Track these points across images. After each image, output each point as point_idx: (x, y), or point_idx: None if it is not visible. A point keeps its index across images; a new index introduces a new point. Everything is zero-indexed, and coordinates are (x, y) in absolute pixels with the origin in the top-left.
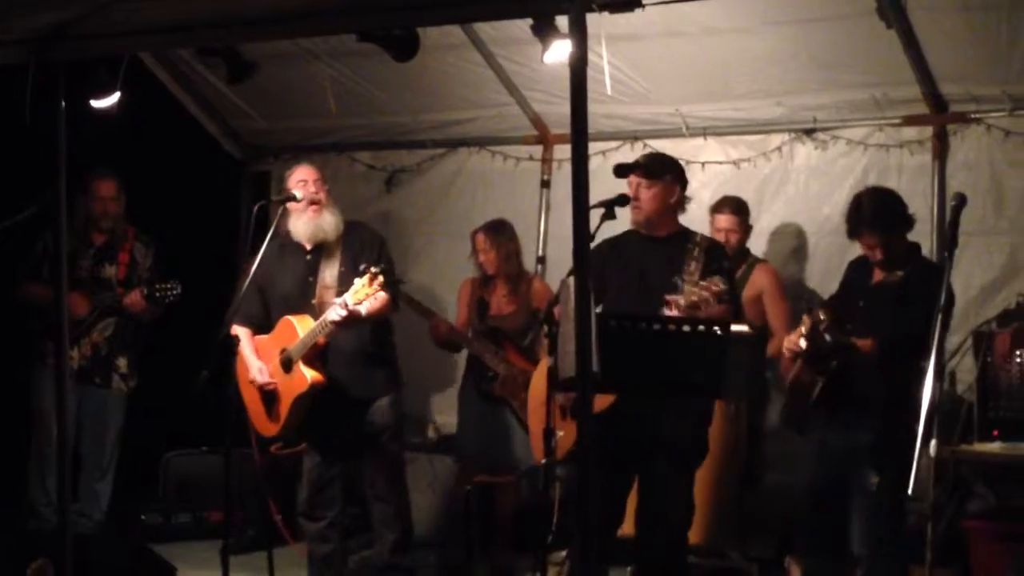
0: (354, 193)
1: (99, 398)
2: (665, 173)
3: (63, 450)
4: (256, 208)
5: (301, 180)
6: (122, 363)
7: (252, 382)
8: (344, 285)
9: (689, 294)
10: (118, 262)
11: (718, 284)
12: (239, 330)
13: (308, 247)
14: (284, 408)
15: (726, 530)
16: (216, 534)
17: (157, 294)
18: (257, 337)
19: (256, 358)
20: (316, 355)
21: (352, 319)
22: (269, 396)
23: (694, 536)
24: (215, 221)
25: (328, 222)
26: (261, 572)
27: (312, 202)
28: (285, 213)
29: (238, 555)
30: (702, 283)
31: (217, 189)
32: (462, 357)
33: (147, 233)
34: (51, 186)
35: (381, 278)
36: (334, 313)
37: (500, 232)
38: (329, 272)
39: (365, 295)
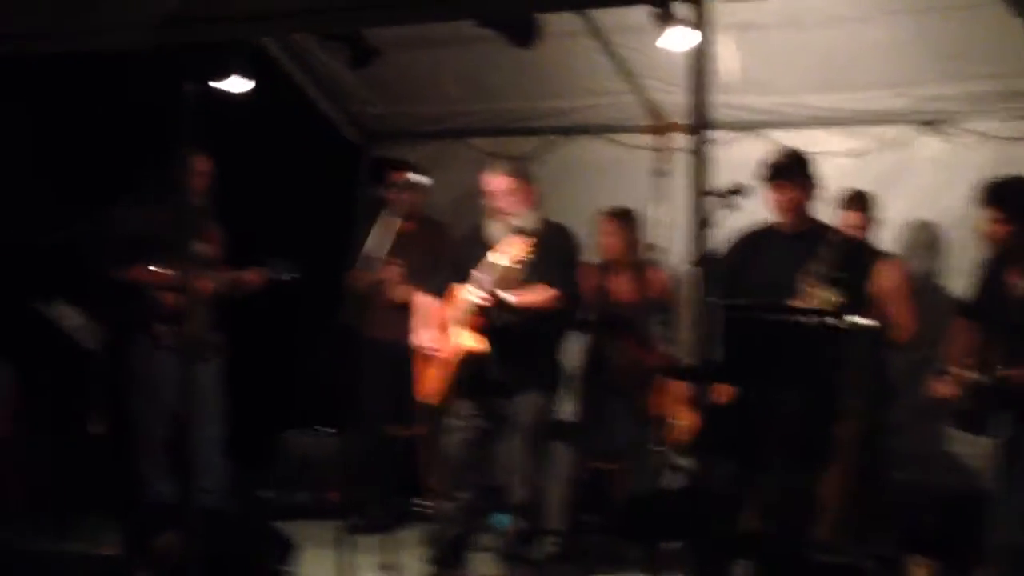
0: (470, 179)
1: (209, 374)
2: (809, 175)
3: (188, 428)
4: (375, 192)
5: (489, 192)
6: (220, 338)
7: (418, 348)
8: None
9: (807, 299)
10: (208, 240)
11: (838, 297)
12: (421, 298)
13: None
14: (442, 375)
15: (846, 526)
16: (334, 513)
17: (277, 274)
18: (435, 305)
19: (426, 325)
20: (479, 325)
21: (498, 305)
22: (434, 362)
23: (814, 532)
24: (333, 205)
25: (515, 226)
26: (381, 552)
27: (502, 212)
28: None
29: (358, 535)
30: (823, 293)
31: (337, 171)
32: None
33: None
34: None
35: (532, 239)
36: (475, 296)
37: (626, 219)
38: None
39: (515, 257)
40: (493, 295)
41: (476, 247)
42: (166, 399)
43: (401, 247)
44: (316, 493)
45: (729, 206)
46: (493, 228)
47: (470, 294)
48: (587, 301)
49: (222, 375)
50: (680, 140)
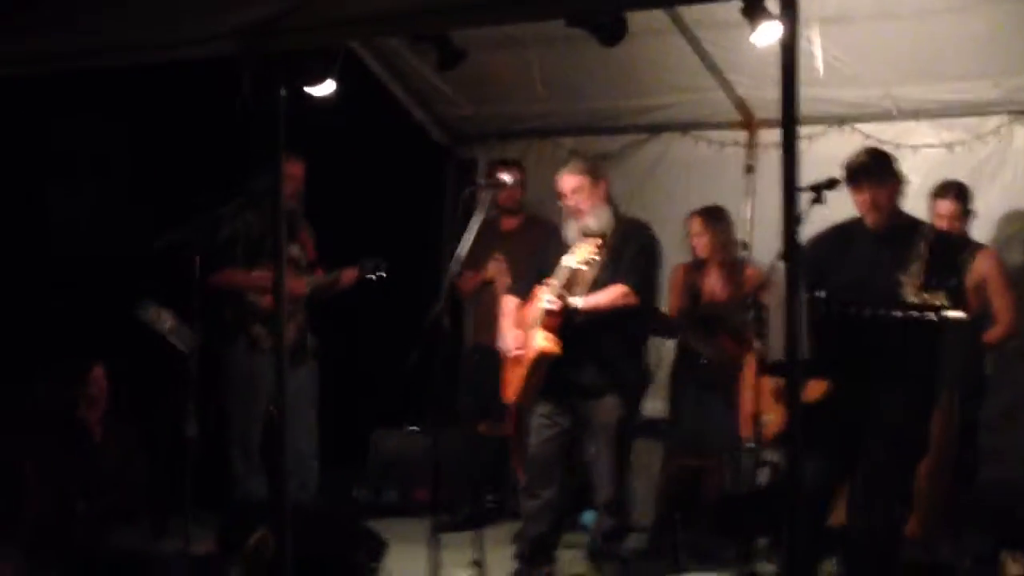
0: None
1: (301, 376)
2: (890, 173)
3: (282, 429)
4: (465, 194)
5: (559, 192)
6: (311, 341)
7: (503, 346)
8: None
9: (902, 294)
10: (300, 242)
11: (941, 299)
12: (509, 299)
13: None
14: (521, 374)
15: (939, 523)
16: (423, 512)
17: (369, 272)
18: (525, 306)
19: (512, 326)
20: (552, 327)
21: (566, 309)
22: (517, 363)
23: (906, 528)
24: (421, 206)
25: (591, 226)
26: (470, 551)
27: (575, 212)
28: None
29: (447, 533)
30: (925, 295)
31: (423, 175)
32: (673, 342)
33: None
34: (269, 172)
35: (601, 240)
36: (544, 301)
37: (717, 218)
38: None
39: (584, 258)
40: (561, 299)
41: (557, 248)
42: (262, 400)
43: (504, 246)
44: (405, 491)
45: (820, 201)
46: (569, 229)
47: (542, 298)
48: (680, 301)
49: (316, 377)
50: (769, 135)
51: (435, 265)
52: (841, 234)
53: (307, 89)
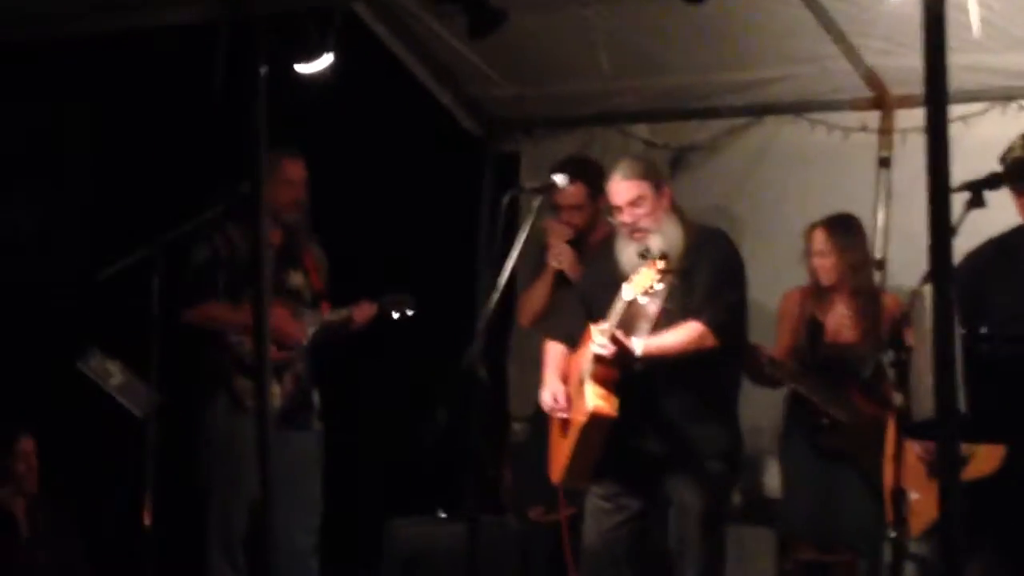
0: None
1: (300, 443)
2: None
3: (269, 513)
4: (506, 200)
5: (615, 205)
6: (316, 397)
7: (542, 403)
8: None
9: None
10: (305, 267)
11: None
12: (553, 346)
13: None
14: (569, 443)
15: None
16: None
17: (390, 309)
18: (573, 355)
19: (556, 378)
20: (612, 376)
21: (623, 354)
22: (563, 430)
23: None
24: (449, 216)
25: (657, 248)
26: None
27: (634, 231)
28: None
29: None
30: None
31: (452, 175)
32: (779, 395)
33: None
34: (249, 172)
35: (663, 263)
36: (595, 345)
37: (848, 231)
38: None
39: (644, 288)
40: (616, 342)
41: (609, 272)
42: (248, 477)
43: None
44: None
45: (979, 203)
46: (623, 251)
47: (593, 341)
48: (793, 339)
49: (319, 447)
50: (909, 118)
51: (468, 296)
52: (1002, 250)
53: (298, 67)
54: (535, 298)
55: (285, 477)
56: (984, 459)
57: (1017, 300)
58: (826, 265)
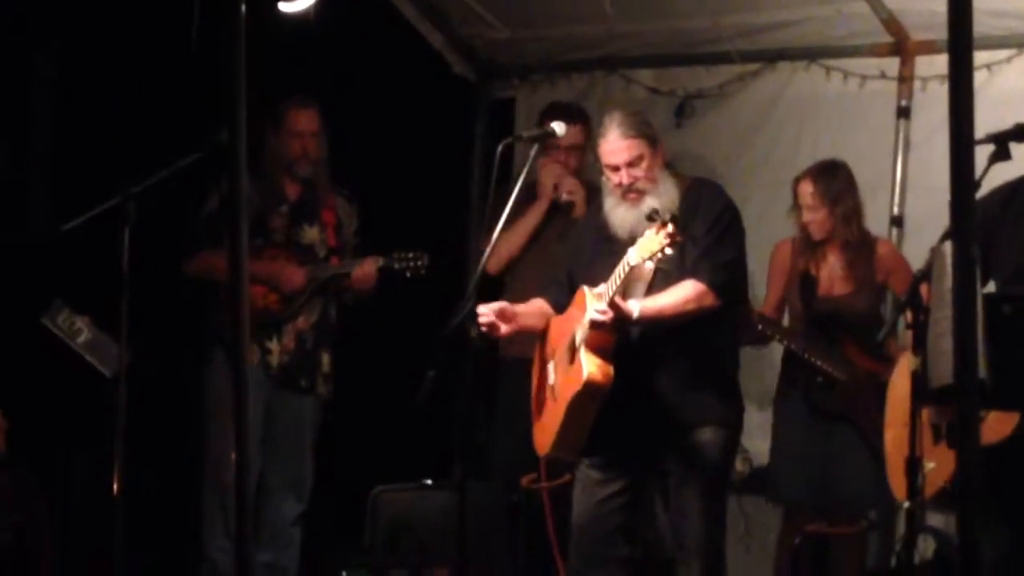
0: None
1: (298, 407)
2: None
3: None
4: (500, 149)
5: (610, 165)
6: (325, 360)
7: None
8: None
9: None
10: (321, 222)
11: None
12: (536, 302)
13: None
14: (558, 413)
15: None
16: None
17: (397, 266)
18: (557, 317)
19: (516, 309)
20: (609, 343)
21: (620, 319)
22: (550, 401)
23: None
24: (440, 166)
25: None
26: None
27: (628, 192)
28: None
29: None
30: None
31: (443, 122)
32: (775, 355)
33: (345, 184)
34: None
35: (672, 227)
36: (592, 311)
37: (833, 178)
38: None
39: (652, 252)
40: (613, 307)
41: (598, 234)
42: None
43: (546, 229)
44: (418, 571)
45: (1004, 156)
46: (619, 212)
47: (589, 307)
48: (785, 293)
49: (318, 412)
50: (930, 64)
51: (459, 249)
52: (1012, 198)
53: (281, 5)
54: (510, 243)
55: (278, 442)
56: (995, 426)
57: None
58: (817, 219)
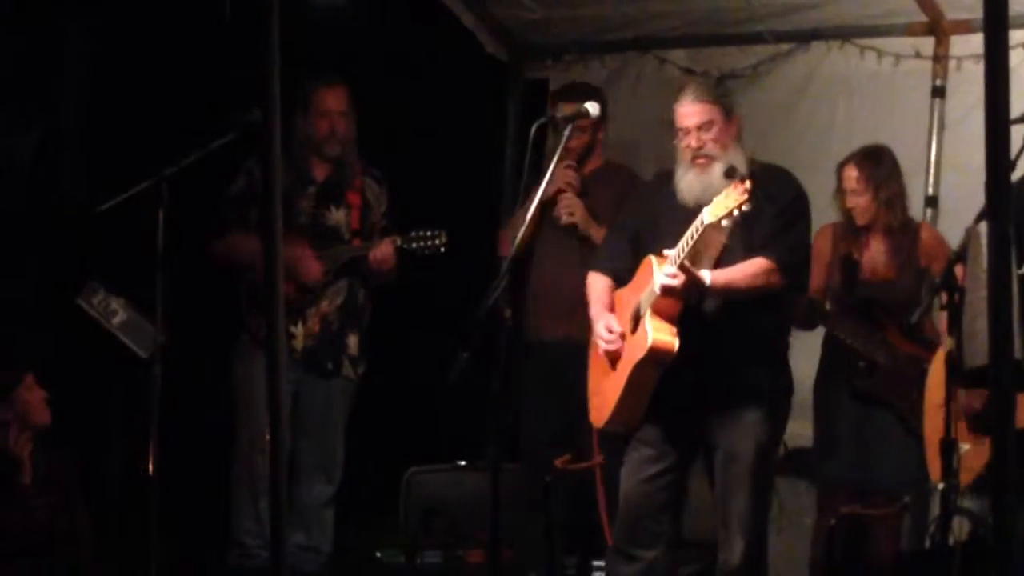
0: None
1: (326, 390)
2: None
3: (278, 462)
4: (534, 130)
5: (682, 128)
6: (352, 342)
7: (596, 340)
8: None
9: None
10: (347, 204)
11: None
12: (597, 278)
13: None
14: (618, 383)
15: None
16: None
17: (415, 245)
18: (620, 291)
19: (606, 310)
20: (677, 310)
21: (691, 285)
22: (609, 369)
23: None
24: (473, 147)
25: (720, 180)
26: None
27: (697, 157)
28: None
29: None
30: None
31: (476, 103)
32: (817, 339)
33: (376, 166)
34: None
35: (750, 183)
36: (662, 275)
37: (879, 164)
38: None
39: (728, 210)
40: (685, 271)
41: (665, 202)
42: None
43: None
44: (452, 552)
45: None
46: (688, 178)
47: (658, 272)
48: (827, 278)
49: (347, 395)
50: (966, 44)
51: (493, 230)
52: None
53: None
54: (518, 227)
55: (307, 424)
56: None
57: None
58: (861, 204)
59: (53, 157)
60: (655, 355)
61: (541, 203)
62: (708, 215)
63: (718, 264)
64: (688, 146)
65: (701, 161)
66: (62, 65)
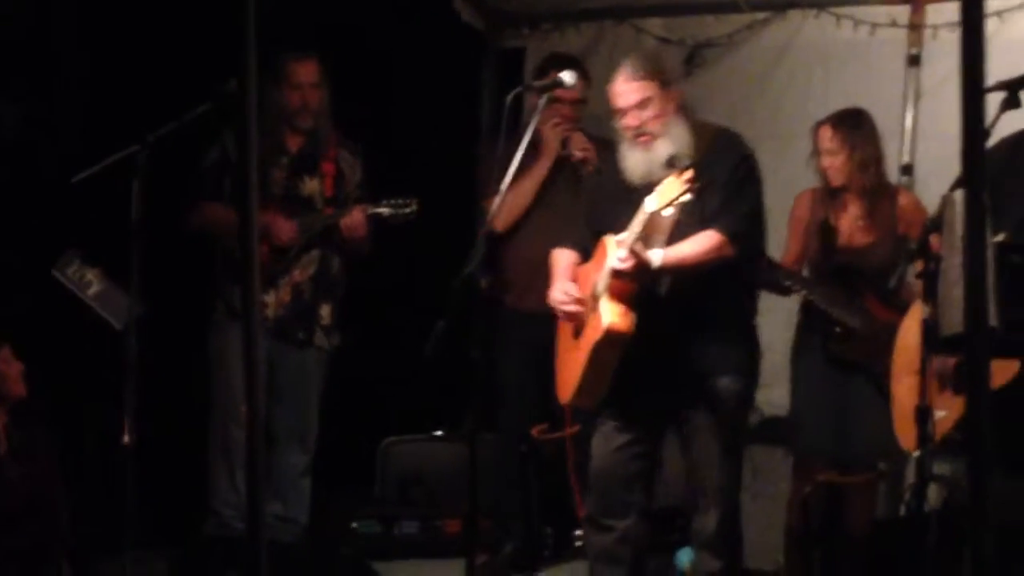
0: None
1: (299, 360)
2: None
3: (254, 433)
4: (510, 99)
5: (617, 109)
6: (325, 312)
7: (552, 303)
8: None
9: None
10: (321, 173)
11: None
12: (561, 253)
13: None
14: (580, 361)
15: None
16: (455, 550)
17: (386, 213)
18: (581, 267)
19: (566, 279)
20: (631, 291)
21: (642, 267)
22: (573, 348)
23: None
24: (449, 116)
25: (665, 154)
26: None
27: (639, 135)
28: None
29: None
30: None
31: (451, 72)
32: (794, 305)
33: (351, 137)
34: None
35: (691, 173)
36: (613, 258)
37: (856, 127)
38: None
39: (671, 199)
40: (634, 255)
41: (615, 178)
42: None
43: (553, 181)
44: (428, 523)
45: (1015, 104)
46: (633, 156)
47: (610, 255)
48: (805, 244)
49: (321, 365)
50: (941, 13)
51: (468, 201)
52: (1019, 147)
53: None
54: (517, 200)
55: (281, 393)
56: (996, 371)
57: None
58: (835, 164)
59: (31, 130)
60: (611, 337)
61: (539, 178)
62: (652, 203)
63: (672, 238)
64: (628, 126)
65: (644, 139)
66: (50, 38)
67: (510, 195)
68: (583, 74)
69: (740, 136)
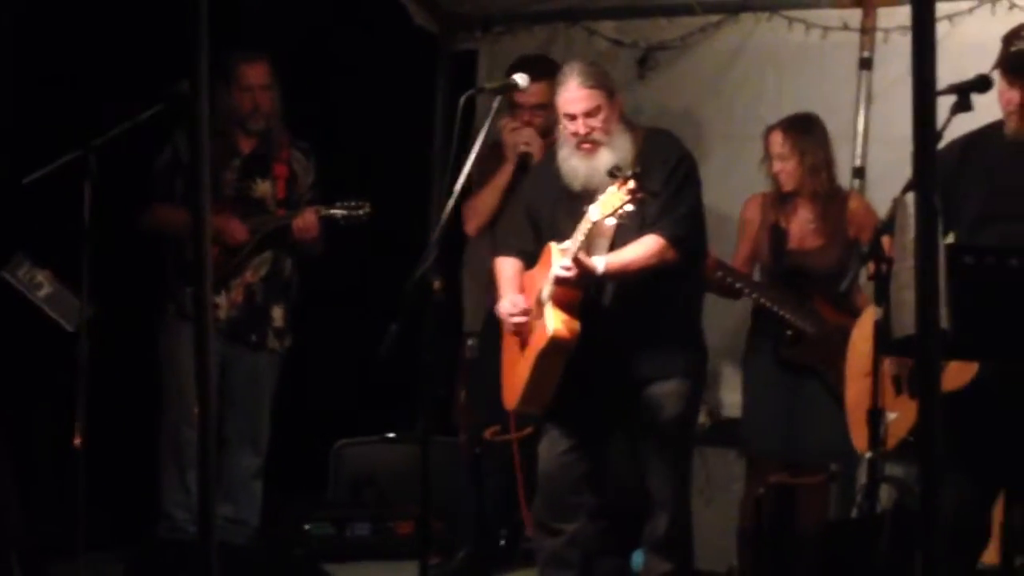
0: None
1: (250, 362)
2: None
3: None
4: (463, 101)
5: (567, 114)
6: (277, 314)
7: (500, 315)
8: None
9: None
10: (273, 176)
11: None
12: (505, 261)
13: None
14: (525, 368)
15: None
16: (407, 552)
17: (338, 215)
18: (527, 272)
19: (513, 290)
20: (574, 299)
21: (585, 275)
22: (518, 356)
23: None
24: (402, 119)
25: (607, 163)
26: None
27: (583, 142)
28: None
29: None
30: None
31: (404, 75)
32: (745, 309)
33: (303, 139)
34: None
35: (634, 183)
36: (557, 267)
37: (807, 132)
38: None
39: (614, 208)
40: (577, 263)
41: (554, 184)
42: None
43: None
44: (381, 525)
45: (965, 107)
46: (571, 162)
47: (554, 263)
48: (755, 248)
49: (274, 368)
50: (892, 16)
51: (421, 204)
52: (969, 150)
53: None
54: (485, 204)
55: (233, 396)
56: (954, 374)
57: (986, 203)
58: (787, 169)
59: None
60: (556, 344)
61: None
62: (595, 213)
63: (614, 244)
64: (575, 133)
65: (587, 147)
66: None
67: (478, 201)
68: (552, 77)
69: (674, 135)
